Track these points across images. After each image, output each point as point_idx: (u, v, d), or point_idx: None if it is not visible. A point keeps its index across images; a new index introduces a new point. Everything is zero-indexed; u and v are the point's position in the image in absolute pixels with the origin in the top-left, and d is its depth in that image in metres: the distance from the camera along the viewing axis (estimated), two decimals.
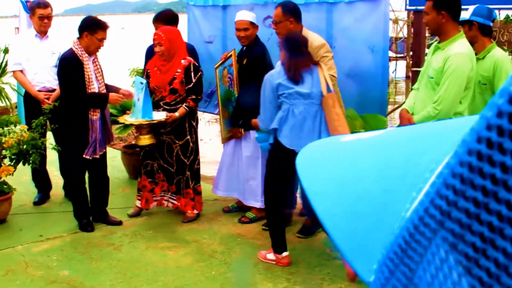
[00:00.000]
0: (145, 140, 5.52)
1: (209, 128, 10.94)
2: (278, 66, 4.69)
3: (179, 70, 5.49)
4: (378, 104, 5.54)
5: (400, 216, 0.54)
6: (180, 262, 4.91)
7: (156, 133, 5.57)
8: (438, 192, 0.48)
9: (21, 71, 6.17)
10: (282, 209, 4.84)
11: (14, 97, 9.60)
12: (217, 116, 6.78)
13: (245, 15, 5.61)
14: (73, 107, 5.40)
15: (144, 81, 5.38)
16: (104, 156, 5.67)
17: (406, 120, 4.34)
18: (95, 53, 5.47)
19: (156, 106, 5.53)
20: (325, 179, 0.66)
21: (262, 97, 4.68)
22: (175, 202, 5.88)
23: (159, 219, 5.90)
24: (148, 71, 5.71)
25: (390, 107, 7.79)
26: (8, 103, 10.59)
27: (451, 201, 0.47)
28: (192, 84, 5.50)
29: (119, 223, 5.75)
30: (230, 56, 5.61)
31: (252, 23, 5.57)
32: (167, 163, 5.76)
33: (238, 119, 5.62)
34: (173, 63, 5.50)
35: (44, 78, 6.17)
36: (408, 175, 0.57)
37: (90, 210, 5.72)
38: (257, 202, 5.74)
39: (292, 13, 5.07)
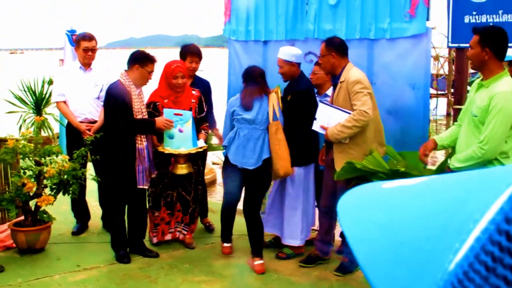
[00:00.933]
0: (183, 169, 5.66)
1: None
2: (237, 95, 5.56)
3: (193, 100, 5.77)
4: (418, 142, 5.46)
5: (443, 268, 0.54)
6: None
7: (193, 161, 5.72)
8: (484, 248, 0.48)
9: (64, 102, 6.29)
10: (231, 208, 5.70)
11: (56, 128, 9.79)
12: None
13: (280, 53, 5.68)
14: (117, 138, 5.47)
15: (189, 112, 5.54)
16: (143, 188, 5.70)
17: (424, 146, 4.55)
18: (142, 85, 5.56)
19: None
20: (366, 225, 0.66)
21: (225, 118, 5.66)
22: (187, 232, 6.09)
23: (195, 252, 5.88)
24: (157, 103, 5.73)
25: None
26: (50, 133, 10.81)
27: (497, 258, 0.47)
28: (204, 113, 5.87)
29: (156, 255, 5.75)
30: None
31: (286, 61, 5.59)
32: (185, 191, 5.91)
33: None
34: (187, 95, 5.76)
35: (86, 109, 6.27)
36: (451, 224, 0.57)
37: (128, 242, 5.74)
38: (296, 240, 5.69)
39: (335, 47, 5.11)
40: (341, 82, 5.05)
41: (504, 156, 4.03)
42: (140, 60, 5.45)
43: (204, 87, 6.19)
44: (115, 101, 5.45)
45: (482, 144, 3.97)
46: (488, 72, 4.08)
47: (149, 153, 5.60)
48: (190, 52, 6.17)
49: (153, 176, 5.69)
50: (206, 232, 6.58)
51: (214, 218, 6.56)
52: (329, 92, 5.55)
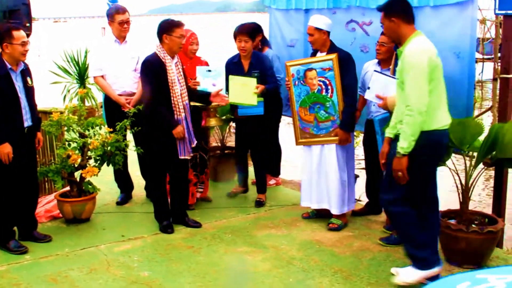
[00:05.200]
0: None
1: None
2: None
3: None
4: (464, 109, 5.36)
5: None
6: (258, 267, 4.91)
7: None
8: None
9: (102, 76, 6.33)
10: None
11: (99, 97, 9.90)
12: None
13: (312, 20, 5.59)
14: (156, 110, 5.50)
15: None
16: (187, 160, 5.75)
17: (381, 154, 4.56)
18: (176, 53, 5.56)
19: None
20: None
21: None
22: (203, 189, 6.48)
23: (238, 223, 5.92)
24: None
25: (476, 112, 7.54)
26: (94, 103, 10.95)
27: None
28: None
29: (199, 225, 5.81)
30: (328, 60, 5.51)
31: (317, 29, 5.52)
32: (203, 149, 6.33)
33: (349, 125, 5.60)
34: (197, 63, 6.33)
35: (125, 82, 6.31)
36: None
37: (171, 212, 5.80)
38: (344, 207, 5.71)
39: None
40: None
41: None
42: (165, 29, 5.46)
43: (264, 68, 6.15)
44: (149, 73, 5.50)
45: (408, 107, 4.11)
46: (403, 38, 4.31)
47: (188, 124, 5.62)
48: (238, 32, 6.14)
49: (193, 146, 5.73)
50: (254, 205, 6.52)
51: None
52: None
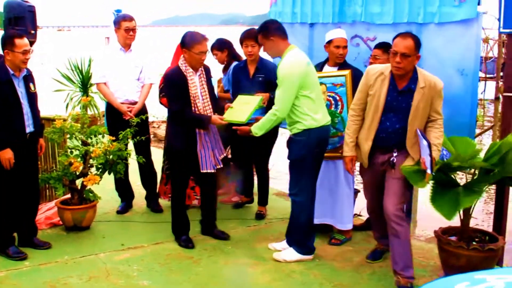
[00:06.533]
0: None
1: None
2: None
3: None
4: (466, 127, 5.38)
5: None
6: (258, 279, 4.90)
7: None
8: None
9: (105, 83, 6.35)
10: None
11: (102, 106, 9.92)
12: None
13: (344, 33, 5.64)
14: (178, 123, 5.44)
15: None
16: (214, 172, 5.59)
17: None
18: (198, 68, 5.43)
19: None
20: None
21: None
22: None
23: (238, 235, 5.91)
24: None
25: (477, 130, 7.56)
26: (96, 112, 10.98)
27: None
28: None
29: (227, 237, 5.79)
30: (341, 76, 5.52)
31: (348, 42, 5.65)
32: None
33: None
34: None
35: (127, 90, 6.33)
36: None
37: (189, 226, 5.75)
38: (349, 223, 5.71)
39: (419, 48, 4.56)
40: (422, 87, 4.50)
41: (305, 115, 4.96)
42: (186, 43, 5.33)
43: (268, 73, 6.08)
44: (170, 86, 5.46)
45: (276, 107, 4.96)
46: (281, 52, 5.07)
47: (214, 137, 5.54)
48: (245, 37, 6.15)
49: (221, 158, 5.62)
50: (254, 217, 6.52)
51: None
52: None
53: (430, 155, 4.26)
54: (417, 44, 4.49)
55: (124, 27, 6.28)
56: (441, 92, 4.58)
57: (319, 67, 5.77)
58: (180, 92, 5.35)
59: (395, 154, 4.67)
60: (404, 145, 4.61)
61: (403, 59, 4.43)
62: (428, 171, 4.32)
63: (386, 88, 4.59)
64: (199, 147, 5.41)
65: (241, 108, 5.41)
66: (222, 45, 6.65)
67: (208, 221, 5.86)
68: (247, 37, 6.11)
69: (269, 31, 5.07)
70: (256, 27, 5.50)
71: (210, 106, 5.49)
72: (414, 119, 4.53)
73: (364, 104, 4.75)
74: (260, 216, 6.50)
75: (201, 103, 5.41)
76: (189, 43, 5.32)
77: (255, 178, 6.82)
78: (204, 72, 5.51)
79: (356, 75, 5.44)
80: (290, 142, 5.19)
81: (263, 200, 6.62)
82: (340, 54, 5.59)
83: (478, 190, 4.68)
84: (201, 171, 5.46)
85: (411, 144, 4.60)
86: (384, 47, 5.41)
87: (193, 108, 5.37)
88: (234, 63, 6.55)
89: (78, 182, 5.99)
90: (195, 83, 5.40)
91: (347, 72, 5.49)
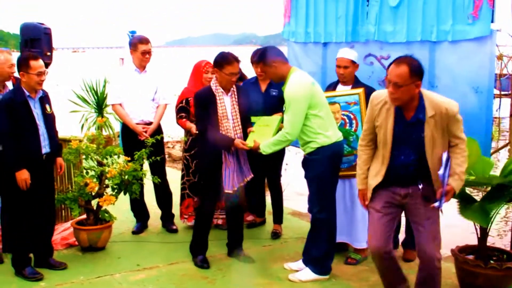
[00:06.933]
0: None
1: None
2: None
3: None
4: (481, 146, 5.34)
5: None
6: None
7: None
8: None
9: (120, 104, 6.39)
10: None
11: (117, 126, 9.98)
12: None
13: (347, 53, 5.61)
14: (205, 143, 5.43)
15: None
16: (239, 192, 5.57)
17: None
18: (228, 88, 5.44)
19: None
20: None
21: None
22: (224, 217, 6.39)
23: (253, 254, 5.88)
24: (189, 99, 6.22)
25: (493, 148, 7.50)
26: (111, 132, 11.03)
27: None
28: None
29: (252, 261, 5.72)
30: (354, 94, 5.54)
31: (353, 62, 5.58)
32: None
33: None
34: None
35: (142, 111, 6.37)
36: None
37: (207, 246, 5.73)
38: (365, 242, 5.67)
39: (419, 75, 4.09)
40: (432, 116, 4.11)
41: (317, 134, 5.01)
42: (218, 64, 5.35)
43: (281, 85, 5.99)
44: (199, 105, 5.46)
45: (286, 130, 4.99)
46: (284, 76, 5.11)
47: (240, 157, 5.49)
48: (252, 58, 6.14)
49: (247, 179, 5.59)
50: (269, 236, 6.53)
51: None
52: None
53: (443, 186, 4.06)
54: (414, 71, 4.01)
55: (141, 50, 6.33)
56: (456, 115, 4.14)
57: (332, 86, 5.78)
58: (206, 111, 5.38)
59: (420, 186, 4.23)
60: (428, 177, 4.19)
61: (396, 89, 4.04)
62: (436, 204, 4.09)
63: (392, 119, 4.20)
64: (224, 167, 5.42)
65: (263, 132, 5.40)
66: None
67: (234, 243, 5.82)
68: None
69: (269, 58, 5.12)
70: None
71: (240, 128, 5.50)
72: (431, 151, 4.13)
73: (372, 134, 4.38)
74: (276, 235, 6.49)
75: (231, 124, 5.42)
76: (220, 63, 5.34)
77: (268, 197, 6.82)
78: (235, 93, 5.52)
79: (370, 93, 5.44)
80: (306, 162, 5.20)
81: (278, 218, 6.61)
82: (341, 73, 5.61)
83: (503, 196, 4.66)
84: (224, 190, 5.44)
85: (436, 177, 4.14)
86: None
87: (220, 129, 5.38)
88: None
89: (94, 202, 6.01)
90: (224, 103, 5.41)
91: (360, 90, 5.51)
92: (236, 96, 5.51)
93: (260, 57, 5.23)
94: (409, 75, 3.99)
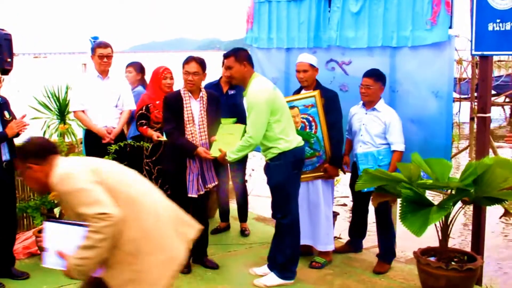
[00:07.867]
0: None
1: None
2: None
3: None
4: (442, 149, 5.44)
5: None
6: None
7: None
8: None
9: (83, 111, 6.32)
10: None
11: (79, 133, 9.86)
12: None
13: (305, 57, 5.68)
14: (169, 146, 5.49)
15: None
16: (203, 197, 5.58)
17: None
18: (193, 91, 5.44)
19: None
20: None
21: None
22: None
23: (218, 260, 5.85)
24: (149, 105, 6.01)
25: (453, 150, 7.63)
26: (74, 139, 10.88)
27: None
28: None
29: (216, 267, 5.71)
30: (311, 96, 5.59)
31: (311, 65, 5.64)
32: None
33: (339, 159, 5.70)
34: None
35: (106, 117, 6.30)
36: None
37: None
38: (330, 245, 5.72)
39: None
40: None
41: (278, 139, 5.04)
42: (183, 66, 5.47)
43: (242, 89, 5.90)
44: (164, 109, 5.50)
45: (249, 135, 5.00)
46: (247, 80, 5.13)
47: (205, 163, 5.49)
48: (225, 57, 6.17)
49: (212, 186, 5.62)
50: (233, 241, 6.56)
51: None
52: (378, 106, 5.52)
53: None
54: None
55: (98, 53, 6.26)
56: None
57: (296, 92, 5.83)
58: (173, 114, 5.38)
59: None
60: None
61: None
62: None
63: None
64: (188, 171, 5.41)
65: (227, 141, 5.38)
66: (141, 68, 7.01)
67: (199, 249, 5.73)
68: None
69: (244, 56, 5.17)
70: None
71: (206, 134, 5.48)
72: None
73: None
74: (244, 233, 6.67)
75: (196, 129, 5.42)
76: (183, 64, 5.45)
77: (232, 203, 6.86)
78: (206, 99, 5.51)
79: (329, 96, 5.53)
80: (268, 168, 5.24)
81: (244, 216, 6.74)
82: (301, 77, 5.68)
83: (447, 207, 4.73)
84: (188, 195, 5.43)
85: None
86: (376, 75, 5.50)
87: (185, 133, 5.38)
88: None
89: (56, 210, 5.93)
90: (191, 108, 5.42)
91: (315, 92, 5.57)
92: (205, 102, 5.50)
93: (236, 50, 5.22)
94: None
